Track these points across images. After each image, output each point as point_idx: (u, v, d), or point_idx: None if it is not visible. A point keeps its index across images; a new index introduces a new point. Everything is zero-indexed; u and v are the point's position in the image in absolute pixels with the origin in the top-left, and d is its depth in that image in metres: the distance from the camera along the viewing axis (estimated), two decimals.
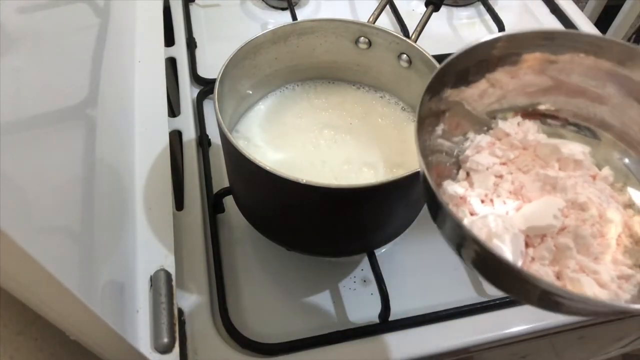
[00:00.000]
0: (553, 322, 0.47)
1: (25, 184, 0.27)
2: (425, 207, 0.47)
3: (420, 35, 0.47)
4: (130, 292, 0.42)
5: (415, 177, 0.36)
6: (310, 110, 0.51)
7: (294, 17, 0.69)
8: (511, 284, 0.28)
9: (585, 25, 0.75)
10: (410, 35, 0.47)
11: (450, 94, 0.35)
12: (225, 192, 0.50)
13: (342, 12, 0.76)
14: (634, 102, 0.35)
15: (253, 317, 0.46)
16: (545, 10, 0.78)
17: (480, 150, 0.36)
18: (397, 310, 0.45)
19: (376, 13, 0.49)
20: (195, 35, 0.68)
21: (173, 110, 0.63)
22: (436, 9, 0.49)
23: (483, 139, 0.36)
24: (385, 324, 0.45)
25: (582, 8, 0.94)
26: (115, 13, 0.55)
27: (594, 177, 0.34)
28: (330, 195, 0.37)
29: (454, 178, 0.36)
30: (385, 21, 0.74)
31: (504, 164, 0.35)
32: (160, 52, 0.62)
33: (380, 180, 0.38)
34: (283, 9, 0.75)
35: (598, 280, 0.29)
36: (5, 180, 0.24)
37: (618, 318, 0.50)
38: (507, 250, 0.29)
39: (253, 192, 0.44)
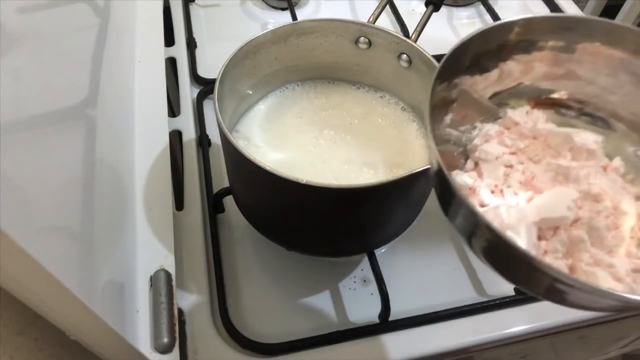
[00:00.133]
0: (553, 322, 0.47)
1: (25, 184, 0.27)
2: (424, 208, 0.47)
3: (420, 35, 0.47)
4: (130, 292, 0.42)
5: (415, 177, 0.36)
6: (310, 110, 0.51)
7: (294, 17, 0.69)
8: (523, 274, 0.27)
9: None
10: (410, 35, 0.47)
11: (462, 81, 0.34)
12: (225, 192, 0.50)
13: (342, 12, 0.76)
14: None
15: (253, 317, 0.46)
16: (545, 10, 0.78)
17: (489, 139, 0.35)
18: (397, 310, 0.45)
19: (376, 13, 0.49)
20: (195, 35, 0.68)
21: (173, 110, 0.63)
22: (436, 9, 0.49)
23: (492, 128, 0.35)
24: (385, 324, 0.45)
25: (582, 8, 0.94)
26: (115, 13, 0.55)
27: (605, 168, 0.34)
28: (330, 195, 0.37)
29: (461, 168, 0.35)
30: (385, 21, 0.74)
31: (513, 153, 0.34)
32: (160, 52, 0.62)
33: (380, 180, 0.37)
34: (283, 9, 0.75)
35: (614, 274, 0.29)
36: (5, 180, 0.24)
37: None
38: (521, 242, 0.29)
39: (253, 192, 0.44)
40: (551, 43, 0.34)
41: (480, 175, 0.33)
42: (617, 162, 0.34)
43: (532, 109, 0.37)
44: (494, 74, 0.35)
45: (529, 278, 0.27)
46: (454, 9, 0.78)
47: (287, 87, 0.53)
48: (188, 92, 0.61)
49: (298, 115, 0.50)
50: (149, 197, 0.49)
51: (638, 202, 0.33)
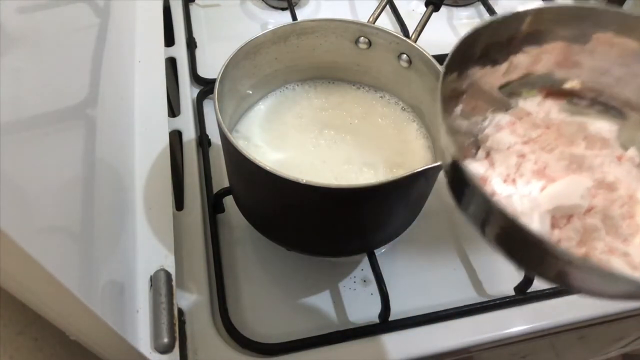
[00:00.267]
0: (553, 322, 0.47)
1: (25, 184, 0.27)
2: (424, 208, 0.47)
3: (420, 35, 0.47)
4: (130, 292, 0.42)
5: (415, 177, 0.36)
6: (310, 110, 0.51)
7: (294, 17, 0.69)
8: (537, 260, 0.27)
9: None
10: (410, 35, 0.47)
11: (472, 72, 0.34)
12: (225, 192, 0.50)
13: (342, 12, 0.76)
14: None
15: (253, 317, 0.46)
16: None
17: (500, 129, 0.34)
18: (397, 310, 0.45)
19: (376, 13, 0.49)
20: (195, 35, 0.68)
21: (173, 110, 0.63)
22: (436, 9, 0.49)
23: (503, 118, 0.35)
24: (385, 324, 0.45)
25: None
26: (115, 13, 0.55)
27: (619, 158, 0.33)
28: (330, 195, 0.37)
29: (472, 158, 0.34)
30: (385, 21, 0.74)
31: (525, 143, 0.34)
32: (160, 52, 0.62)
33: (380, 180, 0.37)
34: (283, 9, 0.75)
35: (629, 262, 0.28)
36: (5, 180, 0.24)
37: (635, 314, 0.50)
38: (535, 229, 0.28)
39: (253, 192, 0.44)
40: (563, 33, 0.34)
41: (492, 164, 0.33)
42: (632, 152, 0.33)
43: (543, 99, 0.36)
44: (504, 64, 0.35)
45: (542, 263, 0.27)
46: (454, 9, 0.78)
47: (287, 87, 0.53)
48: (188, 92, 0.61)
49: (298, 115, 0.50)
50: (149, 197, 0.49)
51: None
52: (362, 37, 0.48)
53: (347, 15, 0.75)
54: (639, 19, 0.32)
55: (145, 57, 0.61)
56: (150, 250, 0.46)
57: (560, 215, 0.30)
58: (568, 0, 0.51)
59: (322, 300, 0.48)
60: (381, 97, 0.52)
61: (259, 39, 0.46)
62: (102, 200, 0.39)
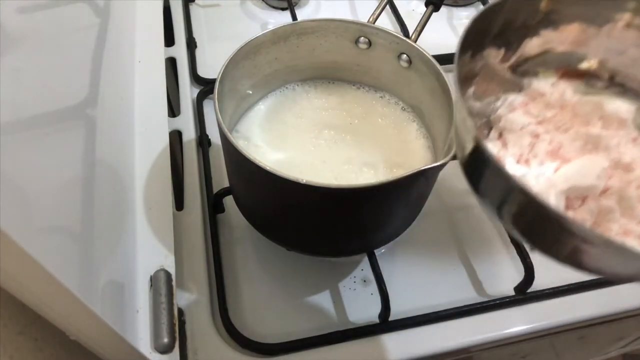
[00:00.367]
0: (553, 322, 0.47)
1: (25, 184, 0.27)
2: (424, 208, 0.47)
3: (420, 35, 0.47)
4: (130, 292, 0.42)
5: (415, 177, 0.36)
6: (310, 110, 0.51)
7: (294, 17, 0.69)
8: (552, 237, 0.27)
9: None
10: (410, 35, 0.47)
11: (486, 53, 0.33)
12: (225, 192, 0.50)
13: (342, 12, 0.76)
14: None
15: (253, 317, 0.46)
16: None
17: (514, 109, 0.34)
18: (397, 310, 0.45)
19: (376, 13, 0.49)
20: (195, 35, 0.68)
21: (173, 110, 0.63)
22: (436, 9, 0.49)
23: (516, 99, 0.35)
24: (385, 324, 0.45)
25: None
26: (115, 13, 0.55)
27: (635, 140, 0.32)
28: (330, 195, 0.37)
29: (485, 138, 0.34)
30: (385, 21, 0.74)
31: (540, 123, 0.33)
32: (160, 52, 0.62)
33: (380, 180, 0.37)
34: (283, 9, 0.75)
35: None
36: (5, 180, 0.24)
37: (635, 314, 0.49)
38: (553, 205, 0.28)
39: (253, 192, 0.44)
40: (580, 14, 0.33)
41: (504, 145, 0.32)
42: None
43: (558, 80, 0.35)
44: (519, 45, 0.35)
45: (558, 241, 0.26)
46: (454, 9, 0.78)
47: (287, 87, 0.53)
48: (188, 92, 0.61)
49: (298, 115, 0.50)
50: (149, 197, 0.49)
51: None
52: (362, 37, 0.48)
53: (347, 15, 0.75)
54: None
55: (145, 57, 0.61)
56: (150, 250, 0.46)
57: (575, 196, 0.29)
58: None
59: (322, 300, 0.48)
60: (381, 97, 0.52)
61: (259, 39, 0.46)
62: (102, 200, 0.39)
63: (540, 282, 0.47)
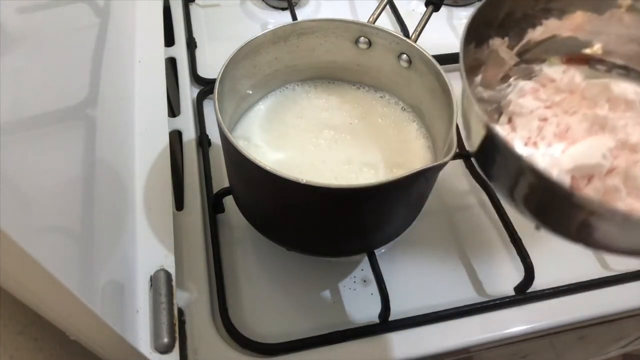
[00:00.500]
0: (553, 322, 0.47)
1: (25, 184, 0.27)
2: (424, 208, 0.47)
3: (420, 35, 0.47)
4: (130, 292, 0.42)
5: (415, 177, 0.36)
6: (310, 110, 0.51)
7: (294, 17, 0.69)
8: (561, 213, 0.27)
9: None
10: (410, 35, 0.47)
11: (492, 42, 0.33)
12: (225, 192, 0.50)
13: (342, 12, 0.76)
14: None
15: (253, 317, 0.46)
16: None
17: (524, 94, 0.34)
18: (397, 310, 0.45)
19: (376, 13, 0.49)
20: (195, 35, 0.68)
21: (173, 110, 0.63)
22: (436, 9, 0.49)
23: (526, 84, 0.35)
24: (385, 324, 0.45)
25: None
26: (115, 13, 0.55)
27: None
28: (330, 195, 0.37)
29: (495, 123, 0.34)
30: (385, 21, 0.74)
31: (548, 107, 0.34)
32: (160, 52, 0.62)
33: (380, 180, 0.37)
34: (283, 9, 0.75)
35: None
36: (5, 180, 0.24)
37: (635, 314, 0.50)
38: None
39: (253, 192, 0.44)
40: (582, 1, 0.34)
41: (513, 129, 0.33)
42: None
43: (566, 65, 0.36)
44: (523, 34, 0.35)
45: (567, 217, 0.26)
46: (454, 9, 0.78)
47: (287, 87, 0.53)
48: (188, 92, 0.61)
49: (298, 115, 0.50)
50: (149, 197, 0.49)
51: None
52: (362, 37, 0.48)
53: (347, 15, 0.75)
54: None
55: (145, 57, 0.61)
56: (150, 250, 0.46)
57: (581, 176, 0.29)
58: None
59: (322, 300, 0.48)
60: (381, 97, 0.52)
61: (259, 39, 0.46)
62: (102, 200, 0.39)
63: (540, 282, 0.47)
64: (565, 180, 0.29)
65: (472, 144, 0.30)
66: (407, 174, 0.36)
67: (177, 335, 0.41)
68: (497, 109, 0.35)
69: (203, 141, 0.56)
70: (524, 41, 0.35)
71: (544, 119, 0.33)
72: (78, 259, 0.32)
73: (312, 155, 0.47)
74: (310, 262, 0.50)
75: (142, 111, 0.56)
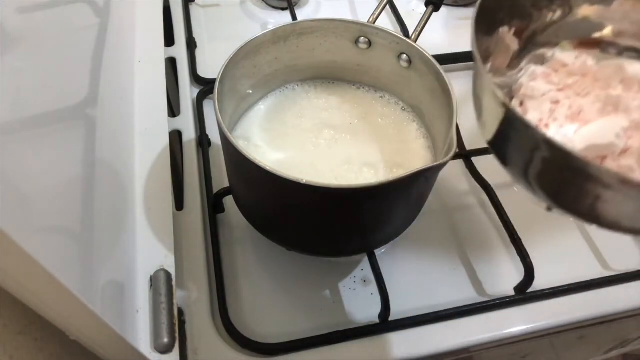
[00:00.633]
0: (553, 322, 0.47)
1: (25, 184, 0.27)
2: (424, 208, 0.47)
3: (420, 35, 0.47)
4: (130, 292, 0.42)
5: (415, 177, 0.36)
6: (310, 110, 0.51)
7: (294, 17, 0.69)
8: (576, 188, 0.26)
9: None
10: (410, 35, 0.47)
11: (501, 29, 0.33)
12: (225, 192, 0.50)
13: (342, 12, 0.76)
14: None
15: (253, 317, 0.46)
16: None
17: (535, 78, 0.34)
18: (397, 310, 0.45)
19: (376, 13, 0.49)
20: (195, 35, 0.68)
21: (173, 110, 0.63)
22: (436, 9, 0.49)
23: (538, 69, 0.35)
24: (385, 324, 0.45)
25: None
26: (115, 13, 0.55)
27: None
28: (330, 195, 0.37)
29: None
30: (385, 21, 0.74)
31: (560, 90, 0.33)
32: (160, 52, 0.62)
33: (380, 180, 0.37)
34: (283, 9, 0.75)
35: None
36: (5, 180, 0.24)
37: (635, 314, 0.50)
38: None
39: (253, 192, 0.44)
40: None
41: (525, 113, 0.33)
42: None
43: (577, 50, 0.36)
44: (532, 20, 0.34)
45: (582, 192, 0.26)
46: (454, 9, 0.78)
47: (287, 87, 0.53)
48: (188, 92, 0.61)
49: (298, 115, 0.50)
50: (149, 197, 0.49)
51: None
52: (362, 37, 0.48)
53: (347, 15, 0.75)
54: None
55: (145, 57, 0.61)
56: (150, 250, 0.46)
57: (594, 156, 0.29)
58: None
59: (322, 300, 0.48)
60: (381, 97, 0.52)
61: (259, 39, 0.46)
62: (102, 200, 0.39)
63: (540, 282, 0.47)
64: None
65: (488, 130, 0.30)
66: (407, 174, 0.36)
67: (177, 335, 0.41)
68: (509, 94, 0.35)
69: (203, 141, 0.56)
70: (534, 26, 0.35)
71: (556, 102, 0.32)
72: (78, 259, 0.32)
73: (312, 155, 0.47)
74: (310, 262, 0.50)
75: (142, 111, 0.56)
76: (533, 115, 0.32)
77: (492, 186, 0.52)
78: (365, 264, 0.50)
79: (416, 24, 0.48)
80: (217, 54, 0.67)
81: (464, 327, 0.46)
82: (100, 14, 0.51)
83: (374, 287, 0.47)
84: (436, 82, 0.44)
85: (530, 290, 0.47)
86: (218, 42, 0.69)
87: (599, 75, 0.33)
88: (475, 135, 0.59)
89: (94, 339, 0.31)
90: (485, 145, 0.56)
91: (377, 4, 0.50)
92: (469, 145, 0.57)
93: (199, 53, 0.67)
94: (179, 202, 0.52)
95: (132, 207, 0.48)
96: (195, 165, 0.55)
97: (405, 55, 0.47)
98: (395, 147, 0.48)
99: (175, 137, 0.58)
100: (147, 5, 0.67)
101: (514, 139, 0.29)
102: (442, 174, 0.41)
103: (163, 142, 0.53)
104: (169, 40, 0.67)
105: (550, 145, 0.25)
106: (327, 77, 0.53)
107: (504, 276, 0.50)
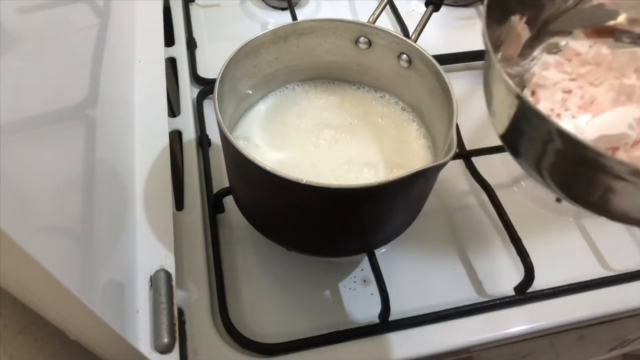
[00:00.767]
0: (553, 322, 0.47)
1: (25, 184, 0.27)
2: (424, 208, 0.47)
3: (420, 35, 0.47)
4: (130, 292, 0.42)
5: (415, 177, 0.36)
6: (310, 110, 0.51)
7: (294, 17, 0.69)
8: (588, 180, 0.26)
9: None
10: (410, 35, 0.47)
11: (512, 18, 0.33)
12: (225, 192, 0.50)
13: (342, 12, 0.76)
14: None
15: (253, 317, 0.46)
16: None
17: (548, 67, 0.34)
18: (397, 310, 0.45)
19: (376, 13, 0.49)
20: (195, 35, 0.68)
21: (173, 110, 0.63)
22: (436, 9, 0.49)
23: (550, 58, 0.34)
24: (385, 324, 0.45)
25: None
26: (115, 13, 0.55)
27: None
28: (330, 195, 0.37)
29: None
30: (385, 21, 0.74)
31: (573, 79, 0.33)
32: (160, 52, 0.62)
33: (380, 180, 0.37)
34: (283, 9, 0.75)
35: None
36: (5, 180, 0.24)
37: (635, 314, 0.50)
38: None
39: (253, 192, 0.44)
40: None
41: (537, 102, 0.33)
42: None
43: (591, 39, 0.35)
44: (544, 8, 0.34)
45: (591, 184, 0.26)
46: (454, 9, 0.78)
47: (287, 87, 0.53)
48: (188, 92, 0.61)
49: (298, 115, 0.50)
50: (149, 197, 0.49)
51: None
52: (362, 37, 0.48)
53: (347, 15, 0.75)
54: None
55: (145, 57, 0.61)
56: (150, 250, 0.46)
57: (606, 147, 0.29)
58: None
59: (322, 300, 0.48)
60: (381, 97, 0.52)
61: (259, 39, 0.46)
62: (102, 200, 0.39)
63: (540, 282, 0.47)
64: None
65: (499, 119, 0.30)
66: (407, 174, 0.36)
67: (177, 335, 0.41)
68: (520, 83, 0.35)
69: (203, 141, 0.56)
70: (546, 14, 0.35)
71: (568, 91, 0.32)
72: (78, 259, 0.32)
73: (312, 155, 0.47)
74: (310, 262, 0.50)
75: (142, 111, 0.56)
76: (545, 105, 0.32)
77: (492, 186, 0.52)
78: (365, 264, 0.50)
79: (416, 24, 0.48)
80: (217, 54, 0.67)
81: (464, 327, 0.46)
82: (100, 14, 0.51)
83: (374, 287, 0.47)
84: (436, 82, 0.44)
85: (530, 290, 0.47)
86: (218, 42, 0.69)
87: (613, 64, 0.33)
88: (475, 135, 0.60)
89: (94, 339, 0.31)
90: (485, 145, 0.57)
91: (377, 4, 0.50)
92: (469, 145, 0.57)
93: (199, 53, 0.67)
94: (179, 202, 0.52)
95: (132, 207, 0.48)
96: (195, 165, 0.55)
97: (405, 55, 0.47)
98: (395, 147, 0.48)
99: (175, 137, 0.58)
100: (147, 5, 0.67)
101: (525, 130, 0.28)
102: (442, 174, 0.41)
103: (163, 142, 0.53)
104: (169, 40, 0.67)
105: (563, 136, 0.25)
106: (327, 77, 0.53)
107: (504, 276, 0.50)
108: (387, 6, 0.62)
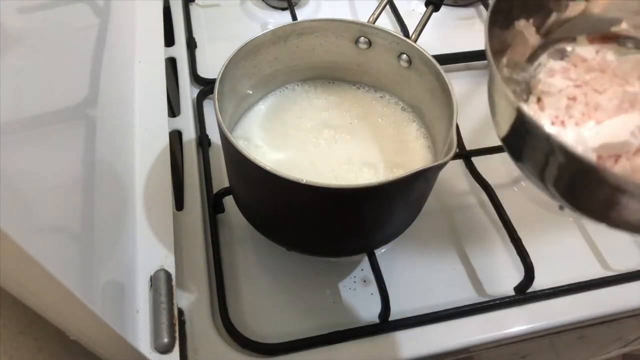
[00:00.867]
0: (553, 322, 0.47)
1: (25, 184, 0.27)
2: (424, 208, 0.47)
3: (420, 35, 0.47)
4: (130, 292, 0.42)
5: (415, 177, 0.36)
6: (310, 110, 0.51)
7: (294, 17, 0.69)
8: (589, 191, 0.26)
9: None
10: (410, 35, 0.47)
11: (517, 24, 0.33)
12: (225, 192, 0.50)
13: (342, 12, 0.76)
14: None
15: (253, 317, 0.46)
16: None
17: (553, 74, 0.34)
18: (397, 310, 0.45)
19: (376, 13, 0.49)
20: (195, 35, 0.68)
21: (173, 110, 0.63)
22: (436, 9, 0.49)
23: (556, 64, 0.35)
24: (385, 324, 0.45)
25: None
26: (115, 13, 0.55)
27: None
28: (330, 195, 0.37)
29: (524, 103, 0.34)
30: (385, 21, 0.74)
31: (578, 86, 0.33)
32: (160, 52, 0.62)
33: (380, 180, 0.37)
34: (283, 9, 0.75)
35: None
36: (5, 180, 0.24)
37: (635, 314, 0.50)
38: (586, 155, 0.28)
39: (253, 192, 0.44)
40: None
41: (542, 108, 0.33)
42: None
43: (593, 43, 0.35)
44: (549, 14, 0.34)
45: (593, 195, 0.26)
46: (454, 9, 0.78)
47: (287, 87, 0.53)
48: (188, 92, 0.61)
49: (298, 115, 0.50)
50: (149, 197, 0.49)
51: None
52: (362, 37, 0.48)
53: (347, 15, 0.75)
54: None
55: (145, 57, 0.61)
56: (150, 250, 0.46)
57: (608, 156, 0.29)
58: None
59: (322, 300, 0.48)
60: (381, 97, 0.52)
61: (259, 39, 0.46)
62: (102, 200, 0.39)
63: (540, 282, 0.47)
64: (591, 157, 0.29)
65: (501, 129, 0.30)
66: (407, 174, 0.36)
67: (177, 335, 0.41)
68: (526, 89, 0.35)
69: (203, 141, 0.56)
70: (551, 20, 0.35)
71: (573, 98, 0.32)
72: (78, 259, 0.32)
73: (312, 155, 0.47)
74: (310, 262, 0.50)
75: (142, 111, 0.56)
76: (549, 112, 0.32)
77: (492, 186, 0.52)
78: (365, 264, 0.50)
79: (416, 24, 0.48)
80: (217, 54, 0.67)
81: (464, 327, 0.46)
82: (100, 14, 0.51)
83: (374, 287, 0.47)
84: (436, 82, 0.44)
85: (530, 290, 0.47)
86: (218, 42, 0.69)
87: (618, 70, 0.33)
88: (475, 135, 0.60)
89: (94, 339, 0.31)
90: (485, 145, 0.57)
91: (377, 4, 0.50)
92: (469, 145, 0.57)
93: (199, 53, 0.67)
94: (179, 202, 0.52)
95: (132, 207, 0.48)
96: (195, 165, 0.55)
97: (405, 55, 0.47)
98: (395, 147, 0.48)
99: (175, 137, 0.58)
100: (147, 5, 0.67)
101: (526, 141, 0.29)
102: (442, 174, 0.41)
103: (163, 142, 0.53)
104: (169, 40, 0.67)
105: (563, 150, 0.25)
106: (327, 77, 0.53)
107: (504, 276, 0.50)
108: (387, 6, 0.62)
